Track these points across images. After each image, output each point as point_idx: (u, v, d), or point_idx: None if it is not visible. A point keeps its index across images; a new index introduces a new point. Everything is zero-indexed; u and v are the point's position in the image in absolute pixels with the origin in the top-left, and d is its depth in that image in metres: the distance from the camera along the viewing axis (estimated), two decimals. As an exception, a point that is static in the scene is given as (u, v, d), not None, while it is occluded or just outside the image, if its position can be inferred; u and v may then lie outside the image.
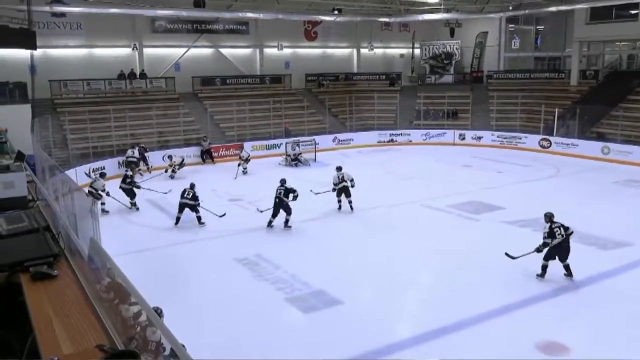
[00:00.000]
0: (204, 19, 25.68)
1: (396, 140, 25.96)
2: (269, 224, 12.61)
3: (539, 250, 9.12)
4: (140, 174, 18.26)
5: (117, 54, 24.37)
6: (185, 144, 21.87)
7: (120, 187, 14.47)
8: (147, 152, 19.90)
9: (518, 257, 9.32)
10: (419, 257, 10.67)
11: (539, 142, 23.56)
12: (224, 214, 13.14)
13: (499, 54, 30.82)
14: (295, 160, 21.00)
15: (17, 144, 12.31)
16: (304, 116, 26.08)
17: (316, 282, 9.24)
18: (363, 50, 31.79)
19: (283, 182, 12.81)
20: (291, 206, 12.43)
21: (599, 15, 24.72)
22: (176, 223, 12.94)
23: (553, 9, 24.53)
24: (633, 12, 23.93)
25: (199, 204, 12.81)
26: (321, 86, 29.08)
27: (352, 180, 13.91)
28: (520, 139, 24.24)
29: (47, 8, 19.26)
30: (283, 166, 20.83)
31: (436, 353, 7.05)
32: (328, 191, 14.09)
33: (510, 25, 30.95)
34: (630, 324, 7.76)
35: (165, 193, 15.18)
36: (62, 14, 21.66)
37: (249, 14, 24.52)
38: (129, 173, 15.03)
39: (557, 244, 8.98)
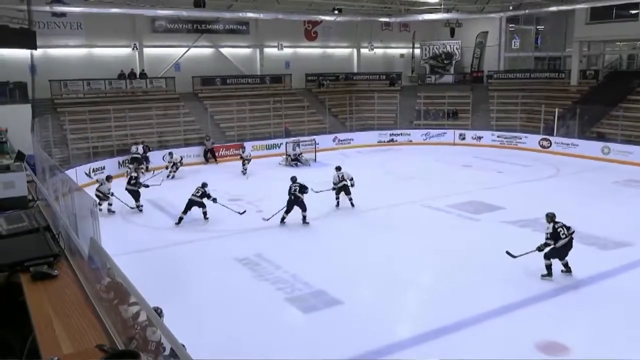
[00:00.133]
0: (204, 19, 25.66)
1: (396, 140, 25.95)
2: (282, 221, 12.68)
3: (540, 249, 9.11)
4: (142, 173, 18.26)
5: (117, 54, 24.36)
6: (185, 144, 21.87)
7: (126, 189, 14.28)
8: (150, 150, 19.92)
9: (519, 255, 9.31)
10: (419, 257, 10.66)
11: (539, 142, 23.56)
12: (245, 212, 13.17)
13: (499, 54, 30.77)
14: (295, 160, 20.98)
15: (17, 144, 12.31)
16: (304, 116, 26.06)
17: (316, 282, 9.24)
18: (363, 50, 31.76)
19: (294, 179, 12.85)
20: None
21: (599, 15, 24.68)
22: (178, 223, 12.90)
23: (553, 9, 24.52)
24: (633, 12, 23.89)
25: (215, 199, 12.96)
26: (321, 86, 29.05)
27: (352, 180, 13.95)
28: (521, 139, 24.23)
29: (47, 8, 19.26)
30: (283, 166, 20.80)
31: (436, 353, 7.05)
32: (328, 190, 14.11)
33: (511, 25, 30.92)
34: (630, 324, 7.75)
35: (159, 185, 16.06)
36: (62, 14, 21.64)
37: (249, 14, 24.52)
38: (134, 174, 14.91)
39: (562, 245, 8.99)
